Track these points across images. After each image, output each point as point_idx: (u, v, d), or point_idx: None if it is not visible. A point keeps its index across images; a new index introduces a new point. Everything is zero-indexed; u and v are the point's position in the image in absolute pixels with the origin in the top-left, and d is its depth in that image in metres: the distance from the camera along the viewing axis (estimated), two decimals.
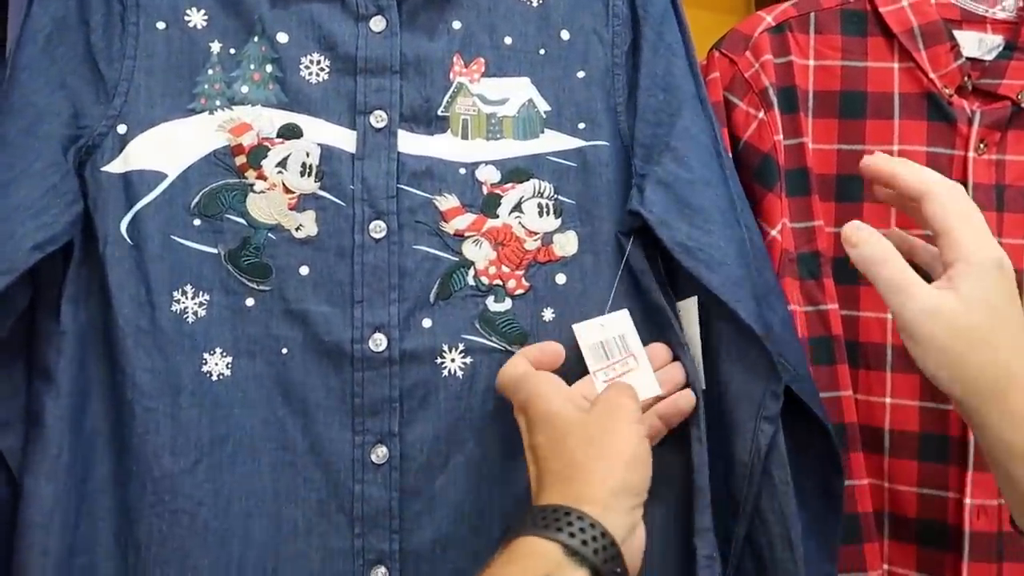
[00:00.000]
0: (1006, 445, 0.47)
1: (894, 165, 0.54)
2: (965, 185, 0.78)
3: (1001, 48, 0.82)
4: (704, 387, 0.56)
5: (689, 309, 0.56)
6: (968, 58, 0.81)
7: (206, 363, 0.53)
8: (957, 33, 0.81)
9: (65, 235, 0.50)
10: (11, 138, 0.50)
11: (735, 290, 0.55)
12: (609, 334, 0.55)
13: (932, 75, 0.80)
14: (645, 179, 0.57)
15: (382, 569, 0.53)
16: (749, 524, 0.55)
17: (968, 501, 0.75)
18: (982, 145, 0.79)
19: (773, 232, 0.76)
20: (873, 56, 0.81)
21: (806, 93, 0.81)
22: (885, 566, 0.78)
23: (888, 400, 0.78)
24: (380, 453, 0.54)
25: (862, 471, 0.78)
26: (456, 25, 0.58)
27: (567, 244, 0.58)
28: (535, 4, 0.60)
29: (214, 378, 0.52)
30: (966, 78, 0.80)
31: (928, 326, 0.48)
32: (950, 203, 0.52)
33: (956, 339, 0.48)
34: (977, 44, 0.82)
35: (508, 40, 0.59)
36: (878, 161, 0.55)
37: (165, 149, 0.54)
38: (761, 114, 0.78)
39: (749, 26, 0.82)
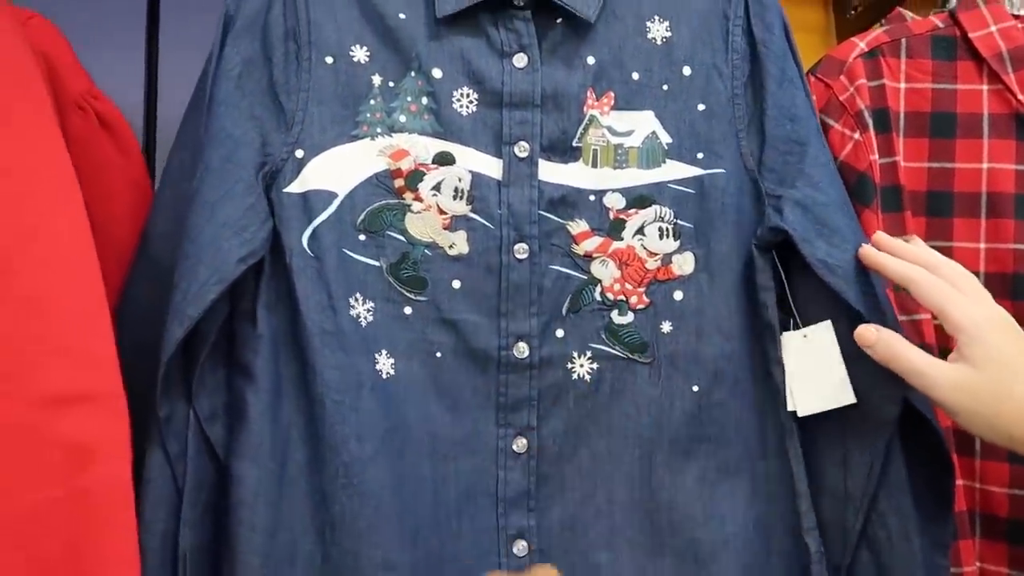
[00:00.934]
0: None
1: (880, 259, 0.59)
2: None
3: None
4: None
5: (824, 332, 0.61)
6: None
7: (377, 363, 0.59)
8: None
9: (262, 249, 0.56)
10: (214, 165, 0.57)
11: (871, 306, 0.60)
12: (813, 343, 0.60)
13: (1021, 96, 0.82)
14: (781, 200, 0.61)
15: (522, 542, 0.59)
16: (866, 519, 0.59)
17: None
18: None
19: None
20: (963, 79, 0.84)
21: (897, 114, 0.84)
22: (977, 563, 0.81)
23: None
24: (520, 444, 0.59)
25: (956, 473, 0.81)
26: (590, 60, 0.63)
27: (685, 264, 0.63)
28: (659, 42, 0.64)
29: (384, 376, 0.59)
30: None
31: (956, 399, 0.53)
32: (931, 286, 0.56)
33: (984, 402, 0.53)
34: None
35: (635, 75, 0.64)
36: (867, 255, 0.59)
37: (335, 171, 0.60)
38: (857, 135, 0.82)
39: (843, 52, 0.86)
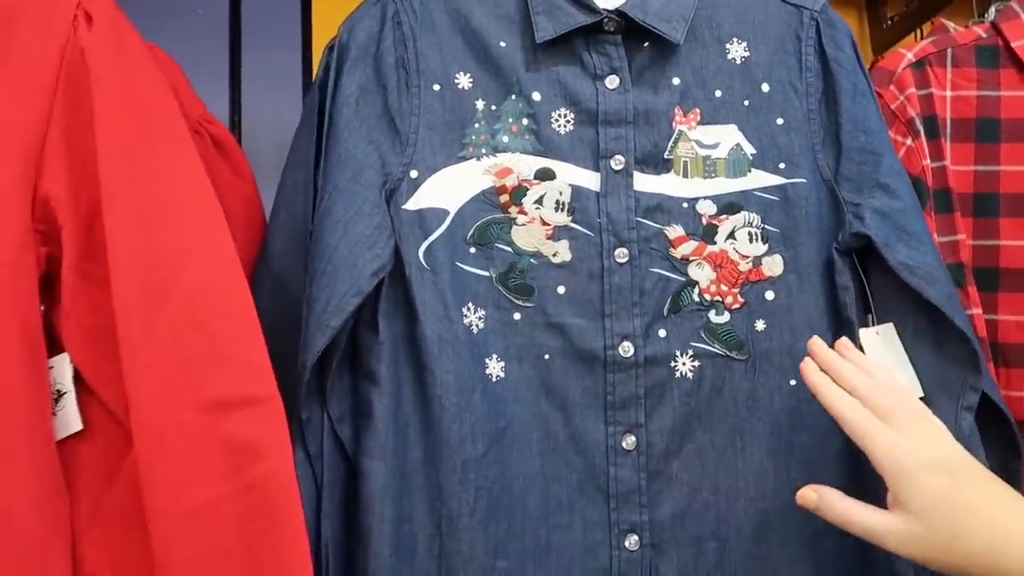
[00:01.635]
0: None
1: (815, 383, 0.55)
2: None
3: None
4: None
5: (891, 333, 0.64)
6: None
7: (487, 367, 0.62)
8: None
9: (390, 263, 0.59)
10: (343, 186, 0.60)
11: (950, 302, 0.63)
12: (883, 335, 0.63)
13: None
14: (860, 208, 0.64)
15: (634, 537, 0.61)
16: None
17: None
18: None
19: None
20: (1006, 86, 0.88)
21: (945, 120, 0.87)
22: None
23: None
24: (629, 441, 0.62)
25: None
26: (675, 81, 0.67)
27: (774, 266, 0.66)
28: (739, 62, 0.68)
29: (494, 379, 0.62)
30: None
31: (906, 551, 0.50)
32: (856, 424, 0.53)
33: (933, 550, 0.49)
34: None
35: (718, 93, 0.67)
36: (807, 374, 0.56)
37: (446, 190, 0.63)
38: (909, 141, 0.86)
39: (892, 63, 0.90)
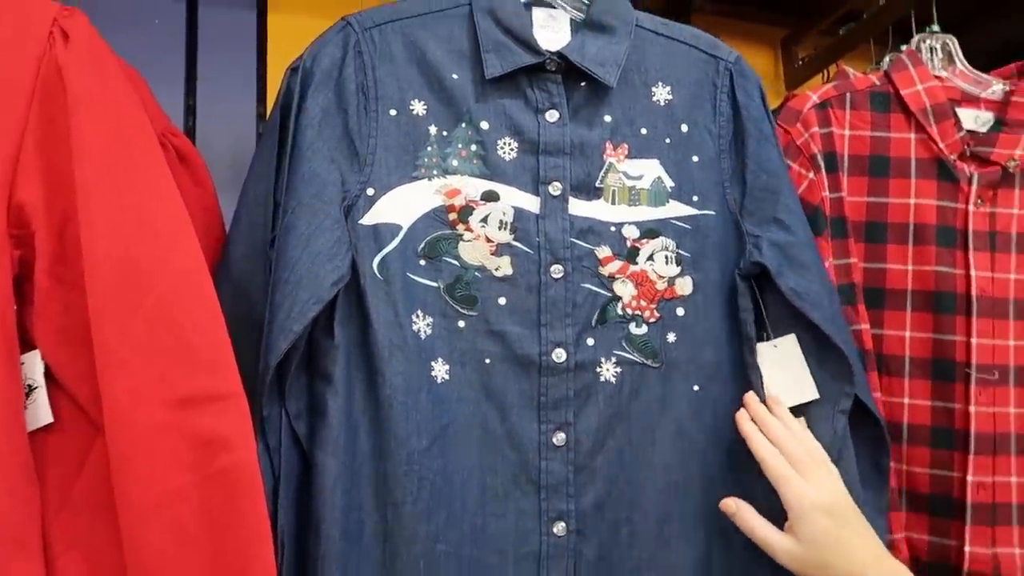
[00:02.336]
0: None
1: (746, 430, 0.67)
2: (966, 232, 0.95)
3: (992, 123, 0.99)
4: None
5: (791, 343, 0.72)
6: (967, 130, 0.98)
7: (433, 369, 0.67)
8: (959, 110, 0.98)
9: (348, 274, 0.64)
10: (307, 202, 0.64)
11: (831, 323, 0.71)
12: (781, 348, 0.71)
13: (940, 144, 0.96)
14: (759, 239, 0.72)
15: (561, 524, 0.67)
16: None
17: (970, 478, 0.91)
18: (979, 200, 0.96)
19: None
20: (895, 128, 0.98)
21: (842, 156, 0.97)
22: (903, 532, 0.94)
23: (906, 400, 0.95)
24: (560, 438, 0.68)
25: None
26: (607, 118, 0.73)
27: (685, 286, 0.73)
28: (663, 104, 0.75)
29: (439, 381, 0.67)
30: (966, 147, 0.96)
31: (788, 563, 0.64)
32: (774, 467, 0.65)
33: (809, 569, 0.63)
34: (974, 119, 0.99)
35: (644, 131, 0.74)
36: (740, 422, 0.68)
37: (399, 207, 0.68)
38: (811, 175, 0.95)
39: (799, 103, 0.98)
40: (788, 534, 0.64)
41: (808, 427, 0.71)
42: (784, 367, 0.71)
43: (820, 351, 0.71)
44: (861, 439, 0.74)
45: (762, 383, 0.71)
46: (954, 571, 0.91)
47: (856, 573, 0.63)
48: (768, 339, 0.73)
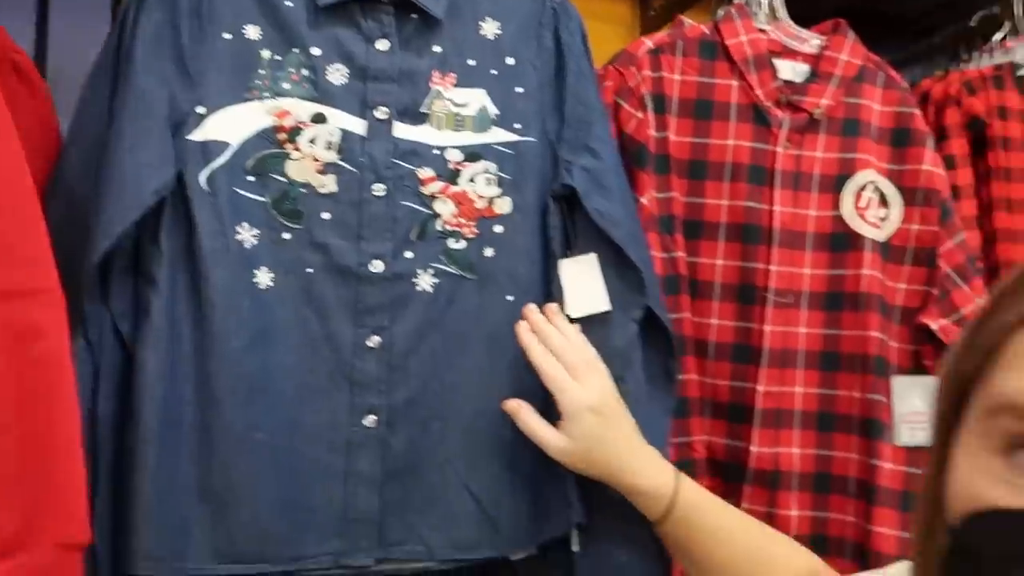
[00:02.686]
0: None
1: (524, 340, 0.73)
2: (773, 172, 1.05)
3: (808, 74, 1.09)
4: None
5: (591, 260, 0.80)
6: (784, 80, 1.07)
7: (256, 277, 0.71)
8: (777, 61, 1.07)
9: (171, 184, 0.67)
10: (135, 115, 0.66)
11: (628, 240, 0.79)
12: (581, 264, 0.79)
13: (758, 92, 1.05)
14: (571, 165, 0.79)
15: (372, 416, 0.74)
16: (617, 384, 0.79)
17: (760, 388, 1.03)
18: (787, 143, 1.05)
19: (643, 200, 1.01)
20: (719, 75, 1.06)
21: (671, 99, 1.05)
22: (702, 436, 1.06)
23: (714, 321, 1.05)
24: (374, 340, 0.74)
25: (692, 369, 1.05)
26: (436, 49, 0.78)
27: (503, 206, 0.79)
28: (490, 38, 0.80)
29: (262, 287, 0.71)
30: (781, 95, 1.06)
31: (560, 458, 0.72)
32: (549, 374, 0.71)
33: (577, 462, 0.72)
34: (791, 70, 1.08)
35: (471, 62, 0.79)
36: (520, 332, 0.74)
37: (229, 126, 0.71)
38: (639, 114, 1.02)
39: (635, 47, 1.05)
40: (560, 431, 0.72)
41: (607, 333, 0.80)
42: (582, 281, 0.79)
43: (619, 266, 0.80)
44: (655, 346, 0.84)
45: (562, 294, 0.78)
46: (743, 468, 1.04)
47: (614, 464, 0.72)
48: (571, 255, 0.81)
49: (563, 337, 0.74)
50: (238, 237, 0.71)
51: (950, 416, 0.41)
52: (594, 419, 0.71)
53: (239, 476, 0.68)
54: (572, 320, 0.79)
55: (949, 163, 1.21)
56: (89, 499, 0.59)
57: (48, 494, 0.56)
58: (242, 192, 0.72)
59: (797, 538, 1.00)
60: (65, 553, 0.56)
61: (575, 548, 0.76)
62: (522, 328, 0.74)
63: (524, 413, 0.73)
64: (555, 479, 0.76)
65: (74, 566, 0.57)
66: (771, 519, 1.03)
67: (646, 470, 0.73)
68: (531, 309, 0.76)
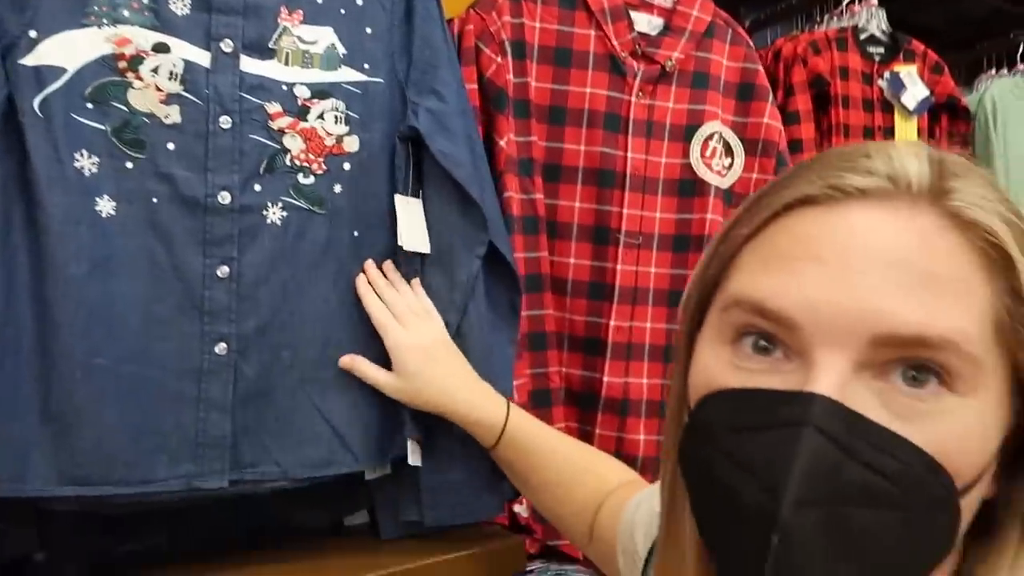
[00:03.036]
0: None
1: (362, 291, 0.80)
2: (628, 120, 1.11)
3: (661, 27, 1.14)
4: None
5: (418, 204, 0.83)
6: (639, 32, 1.12)
7: (97, 204, 0.70)
8: (633, 14, 1.12)
9: (1, 107, 0.67)
10: None
11: (468, 180, 0.82)
12: (412, 204, 0.82)
13: (614, 42, 1.10)
14: (418, 106, 0.81)
15: (223, 344, 0.75)
16: (461, 316, 0.84)
17: (611, 323, 1.10)
18: (640, 93, 1.11)
19: (501, 142, 1.05)
20: (578, 25, 1.10)
21: (532, 46, 1.08)
22: (558, 368, 1.13)
23: (572, 260, 1.11)
24: (223, 271, 0.76)
25: (550, 305, 1.11)
26: None
27: (352, 144, 0.81)
28: None
29: (104, 215, 0.71)
30: (637, 46, 1.11)
31: (395, 396, 0.79)
32: (381, 320, 0.79)
33: (410, 398, 0.79)
34: (647, 23, 1.14)
35: (320, 0, 0.80)
36: (359, 284, 0.81)
37: (65, 51, 0.70)
38: (499, 59, 1.05)
39: None
40: (393, 372, 0.79)
41: (452, 269, 0.84)
42: (413, 219, 0.82)
43: (463, 203, 0.83)
44: (499, 281, 0.89)
45: (397, 231, 0.82)
46: (596, 397, 1.11)
47: (446, 398, 0.79)
48: (420, 195, 0.84)
49: (394, 290, 0.81)
50: (77, 164, 0.71)
51: (696, 318, 0.47)
52: (419, 358, 0.79)
53: (81, 400, 0.69)
54: (408, 253, 0.82)
55: (794, 118, 1.30)
56: None
57: None
58: (80, 119, 0.71)
59: (644, 460, 1.10)
60: None
61: (412, 461, 0.80)
62: (360, 281, 0.81)
63: (358, 363, 0.80)
64: (397, 402, 0.80)
65: None
66: (621, 443, 1.11)
67: (477, 403, 0.80)
68: (369, 265, 0.82)
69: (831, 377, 0.38)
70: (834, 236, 0.40)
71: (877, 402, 0.39)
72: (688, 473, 0.45)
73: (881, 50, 1.42)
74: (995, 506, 0.43)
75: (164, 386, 0.73)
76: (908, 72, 1.37)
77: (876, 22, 1.42)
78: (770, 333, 0.41)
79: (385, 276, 0.83)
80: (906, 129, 1.40)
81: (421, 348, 0.79)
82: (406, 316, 0.80)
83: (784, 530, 0.37)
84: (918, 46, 1.45)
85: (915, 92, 1.36)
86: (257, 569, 0.80)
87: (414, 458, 0.80)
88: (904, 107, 1.38)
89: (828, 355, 0.39)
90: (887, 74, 1.38)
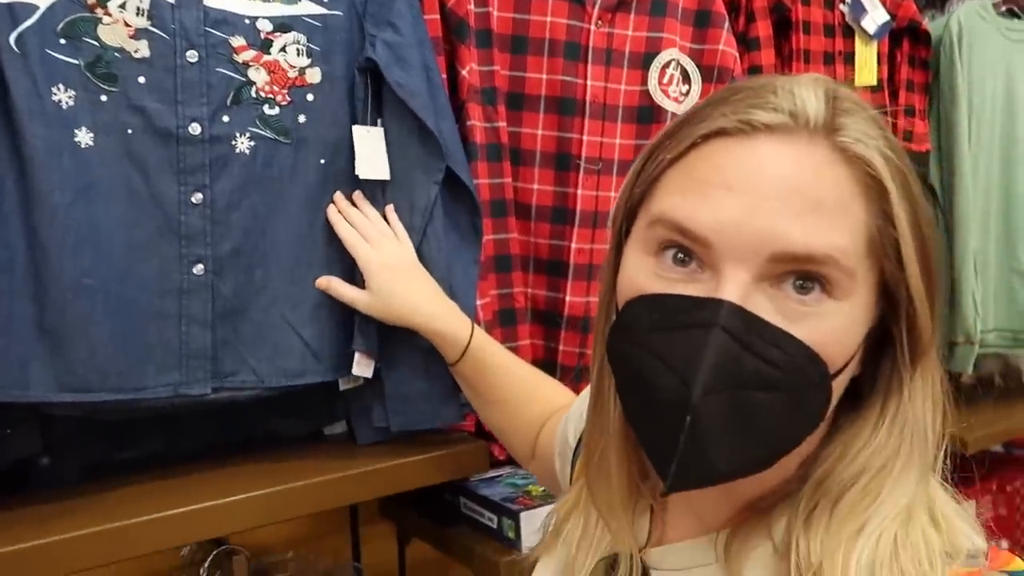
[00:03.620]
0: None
1: (332, 217, 0.87)
2: (587, 48, 1.15)
3: None
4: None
5: (379, 132, 0.88)
6: None
7: (76, 136, 0.76)
8: None
9: None
10: None
11: (424, 110, 0.87)
12: (371, 133, 0.87)
13: None
14: (375, 39, 0.86)
15: (200, 266, 0.81)
16: (421, 238, 0.90)
17: (573, 245, 1.16)
18: (599, 22, 1.14)
19: (463, 72, 1.08)
20: None
21: None
22: (523, 288, 1.19)
23: (535, 186, 1.16)
24: (197, 197, 0.81)
25: (515, 229, 1.17)
26: None
27: (314, 76, 0.85)
28: None
29: (83, 146, 0.76)
30: None
31: (370, 313, 0.86)
32: (350, 240, 0.86)
33: (383, 314, 0.85)
34: None
35: None
36: (329, 213, 0.87)
37: None
38: None
39: None
40: (365, 291, 0.86)
41: (411, 193, 0.90)
42: (371, 148, 0.87)
43: (420, 132, 0.89)
44: (460, 205, 0.94)
45: (356, 161, 0.87)
46: (560, 316, 1.18)
47: (414, 312, 0.86)
48: (380, 124, 0.89)
49: (363, 216, 0.88)
50: (55, 98, 0.75)
51: (623, 231, 0.53)
52: (388, 275, 0.85)
53: (73, 317, 0.76)
54: (370, 181, 0.88)
55: (755, 44, 1.33)
56: None
57: None
58: (55, 54, 0.75)
59: None
60: None
61: (356, 372, 0.88)
62: (331, 210, 0.88)
63: (334, 283, 0.87)
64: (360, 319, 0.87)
65: None
66: (583, 358, 1.19)
67: (444, 317, 0.87)
68: (339, 197, 0.88)
69: (736, 287, 0.45)
70: (744, 167, 0.47)
71: (771, 307, 0.46)
72: (614, 366, 0.52)
73: None
74: (861, 382, 0.51)
75: (148, 304, 0.80)
76: None
77: None
78: (688, 248, 0.48)
79: (354, 204, 0.88)
80: (866, 54, 1.43)
81: (390, 267, 0.85)
82: (376, 238, 0.86)
83: (695, 412, 0.44)
84: None
85: (875, 16, 1.39)
86: (243, 471, 0.88)
87: (359, 369, 0.87)
88: (864, 31, 1.41)
89: (734, 269, 0.46)
90: None
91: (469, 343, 0.85)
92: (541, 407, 0.83)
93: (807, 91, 0.48)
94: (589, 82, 1.14)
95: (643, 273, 0.50)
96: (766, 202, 0.45)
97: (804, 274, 0.46)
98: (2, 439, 0.77)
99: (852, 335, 0.48)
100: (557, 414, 0.80)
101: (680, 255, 0.48)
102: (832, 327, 0.46)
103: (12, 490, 0.79)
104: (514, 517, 0.98)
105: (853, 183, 0.46)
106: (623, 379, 0.51)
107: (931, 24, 1.55)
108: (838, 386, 0.48)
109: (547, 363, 1.18)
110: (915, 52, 1.52)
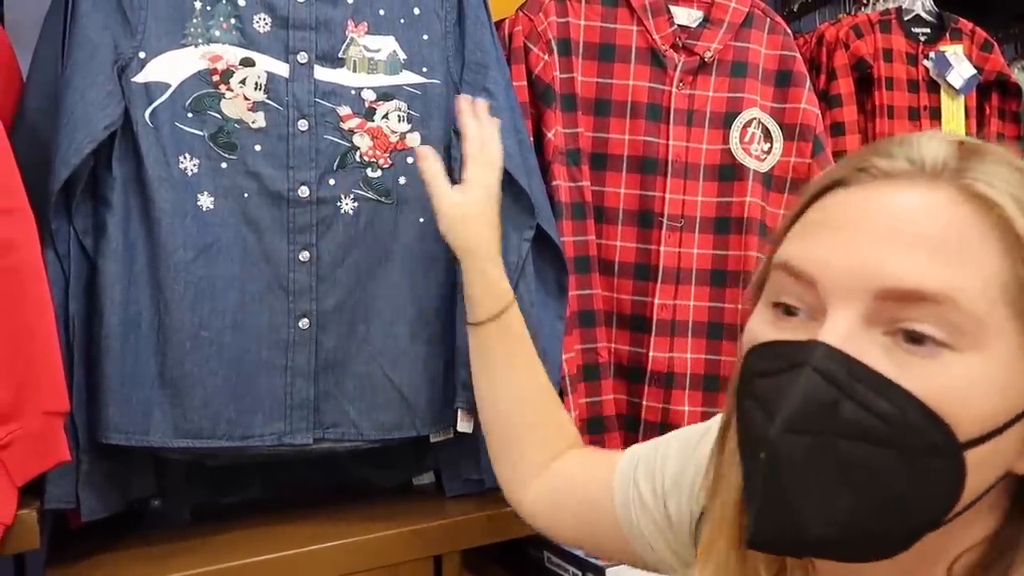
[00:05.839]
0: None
1: (463, 106, 0.87)
2: (669, 109, 1.18)
3: (701, 20, 1.21)
4: None
5: None
6: (679, 25, 1.19)
7: (199, 200, 0.83)
8: (673, 8, 1.19)
9: (119, 121, 0.78)
10: (82, 62, 0.77)
11: (516, 170, 0.92)
12: None
13: (655, 36, 1.17)
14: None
15: (305, 320, 0.87)
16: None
17: (656, 301, 1.18)
18: (681, 84, 1.18)
19: (549, 135, 1.13)
20: (620, 21, 1.17)
21: (577, 43, 1.16)
22: (608, 343, 1.21)
23: (618, 243, 1.19)
24: (304, 256, 0.88)
25: (598, 285, 1.19)
26: (350, 0, 0.90)
27: (414, 140, 0.92)
28: None
29: (204, 209, 0.84)
30: (677, 39, 1.18)
31: (449, 211, 0.82)
32: (467, 137, 0.85)
33: (457, 221, 0.82)
34: (686, 16, 1.20)
35: (382, 12, 0.90)
36: (459, 101, 0.88)
37: (169, 69, 0.82)
38: (547, 57, 1.14)
39: None
40: (457, 189, 0.83)
41: (504, 249, 0.93)
42: None
43: (512, 191, 0.93)
44: (548, 262, 0.98)
45: None
46: (643, 371, 1.19)
47: (482, 242, 0.82)
48: None
49: (472, 125, 0.87)
50: (181, 166, 0.83)
51: (761, 283, 0.51)
52: (483, 194, 0.83)
53: (191, 368, 0.82)
54: None
55: (836, 101, 1.34)
56: (67, 382, 0.72)
57: (32, 375, 0.69)
58: (182, 127, 0.83)
59: None
60: (50, 418, 0.70)
61: (460, 428, 0.90)
62: (463, 99, 0.88)
63: (431, 165, 0.85)
64: (455, 376, 0.91)
65: (57, 428, 0.70)
66: (666, 414, 1.19)
67: (499, 266, 0.82)
68: (466, 98, 0.89)
69: (839, 327, 0.42)
70: (854, 208, 0.45)
71: (881, 353, 0.42)
72: (737, 415, 0.49)
73: (927, 30, 1.45)
74: None
75: (258, 355, 0.85)
76: (954, 51, 1.40)
77: (921, 3, 1.45)
78: (798, 295, 0.46)
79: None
80: (953, 108, 1.42)
81: (490, 184, 0.85)
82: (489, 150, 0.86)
83: (770, 449, 0.42)
84: (965, 25, 1.47)
85: (961, 71, 1.39)
86: (337, 518, 0.91)
87: (463, 426, 0.90)
88: (950, 86, 1.41)
89: (839, 309, 0.43)
90: (932, 54, 1.40)
91: (509, 306, 0.81)
92: (558, 416, 0.80)
93: (931, 140, 0.45)
94: (671, 142, 1.17)
95: (762, 323, 0.48)
96: (874, 236, 0.43)
97: (918, 317, 0.41)
98: (123, 482, 0.83)
99: (987, 397, 0.41)
100: (587, 451, 0.77)
101: (790, 306, 0.46)
102: (954, 383, 0.41)
103: (129, 529, 0.84)
104: (599, 573, 0.98)
105: (981, 225, 0.42)
106: (738, 428, 0.48)
107: (1020, 75, 1.53)
108: (980, 464, 0.42)
109: (630, 418, 1.19)
110: (1005, 105, 1.50)
